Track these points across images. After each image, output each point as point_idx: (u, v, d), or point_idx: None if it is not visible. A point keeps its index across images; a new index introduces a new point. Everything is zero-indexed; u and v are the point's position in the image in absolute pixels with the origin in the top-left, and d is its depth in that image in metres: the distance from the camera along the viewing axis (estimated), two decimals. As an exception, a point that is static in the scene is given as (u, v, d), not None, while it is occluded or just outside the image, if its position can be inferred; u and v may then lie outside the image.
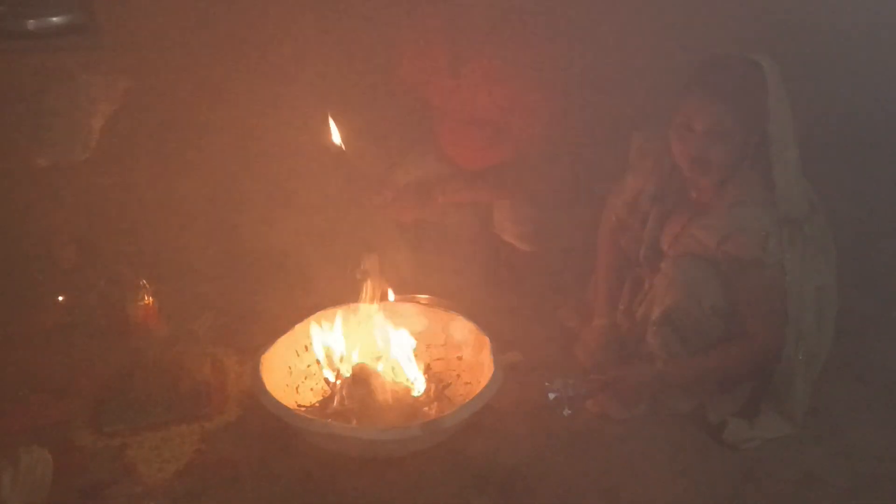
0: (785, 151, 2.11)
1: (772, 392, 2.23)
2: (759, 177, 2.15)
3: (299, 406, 2.25)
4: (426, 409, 2.25)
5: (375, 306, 2.37)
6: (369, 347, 2.35)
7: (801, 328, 2.17)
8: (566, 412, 2.25)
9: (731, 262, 2.14)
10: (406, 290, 2.58)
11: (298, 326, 2.41)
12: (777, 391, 2.22)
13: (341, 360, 2.32)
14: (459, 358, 2.43)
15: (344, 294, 2.46)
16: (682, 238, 2.26)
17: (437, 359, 2.45)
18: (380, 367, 2.30)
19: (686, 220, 2.27)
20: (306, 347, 2.41)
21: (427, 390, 2.31)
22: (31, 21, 2.40)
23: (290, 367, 2.36)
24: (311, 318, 2.42)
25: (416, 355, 2.36)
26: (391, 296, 2.45)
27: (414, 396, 2.28)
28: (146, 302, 2.57)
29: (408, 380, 2.31)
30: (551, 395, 2.24)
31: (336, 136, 2.45)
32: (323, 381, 2.34)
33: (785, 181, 2.11)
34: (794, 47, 3.03)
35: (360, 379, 2.25)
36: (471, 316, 2.46)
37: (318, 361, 2.34)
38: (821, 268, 2.25)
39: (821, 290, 2.24)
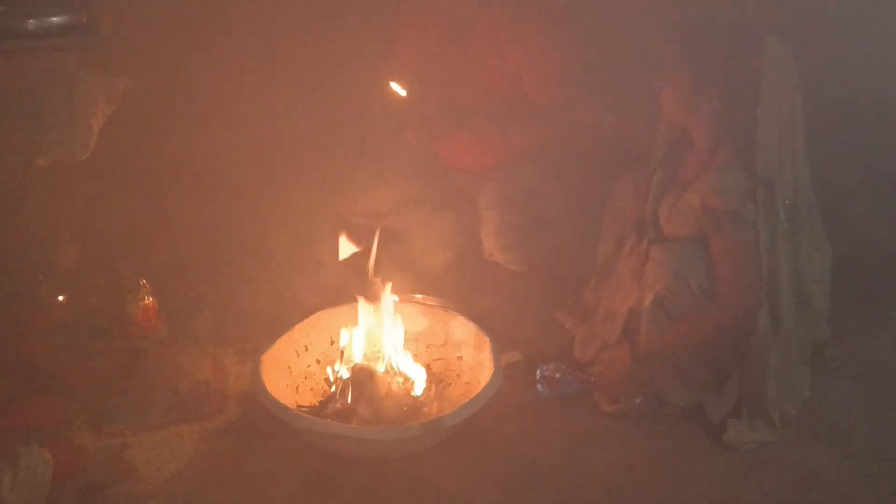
0: (769, 136, 2.14)
1: (747, 389, 2.23)
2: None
3: (299, 406, 2.25)
4: (426, 409, 2.25)
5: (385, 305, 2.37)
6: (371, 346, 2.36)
7: (778, 314, 2.19)
8: (540, 388, 2.36)
9: (710, 216, 2.18)
10: (406, 291, 2.58)
11: (298, 326, 2.41)
12: (752, 384, 2.22)
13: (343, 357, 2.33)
14: (459, 358, 2.43)
15: (343, 294, 2.46)
16: (678, 205, 2.29)
17: (437, 359, 2.45)
18: (380, 367, 2.30)
19: (682, 190, 2.30)
20: (306, 347, 2.41)
21: (427, 390, 2.31)
22: (31, 21, 2.39)
23: (290, 367, 2.36)
24: (311, 318, 2.43)
25: (415, 355, 2.36)
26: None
27: (414, 396, 2.28)
28: (146, 302, 2.57)
29: (408, 380, 2.31)
30: (538, 372, 2.37)
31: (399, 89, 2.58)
32: (323, 381, 2.34)
33: (766, 163, 2.14)
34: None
35: (360, 379, 2.25)
36: (471, 316, 2.46)
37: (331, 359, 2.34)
38: (813, 257, 2.30)
39: (810, 278, 2.28)
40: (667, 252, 2.26)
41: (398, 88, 2.60)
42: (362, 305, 2.36)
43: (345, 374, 2.30)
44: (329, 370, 2.34)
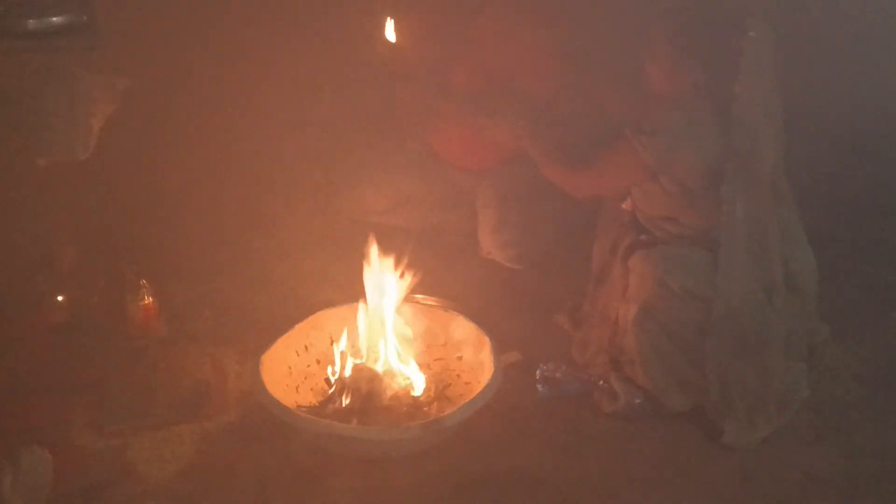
0: (746, 111, 2.16)
1: (743, 386, 2.23)
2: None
3: (299, 406, 2.25)
4: (426, 409, 2.25)
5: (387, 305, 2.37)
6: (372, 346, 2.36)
7: (770, 287, 2.21)
8: (540, 389, 2.37)
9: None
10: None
11: (298, 326, 2.41)
12: (749, 380, 2.22)
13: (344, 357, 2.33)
14: (459, 358, 2.43)
15: (343, 294, 2.46)
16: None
17: (437, 359, 2.45)
18: (380, 367, 2.30)
19: None
20: (306, 347, 2.41)
21: (427, 390, 2.31)
22: (31, 21, 2.40)
23: (290, 367, 2.35)
24: (311, 318, 2.43)
25: (414, 355, 2.37)
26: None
27: (414, 396, 2.28)
28: (146, 302, 2.57)
29: (408, 380, 2.31)
30: (538, 372, 2.39)
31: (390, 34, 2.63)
32: (323, 381, 2.34)
33: (742, 137, 2.16)
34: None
35: (360, 379, 2.25)
36: (471, 316, 2.46)
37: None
38: (796, 237, 2.33)
39: (792, 257, 2.30)
40: (645, 260, 2.27)
41: (390, 33, 2.63)
42: (363, 305, 2.36)
43: (345, 373, 2.30)
44: (329, 370, 2.34)
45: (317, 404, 2.28)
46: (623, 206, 2.53)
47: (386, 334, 2.35)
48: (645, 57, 2.32)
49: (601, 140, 2.51)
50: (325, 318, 2.45)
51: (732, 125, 2.16)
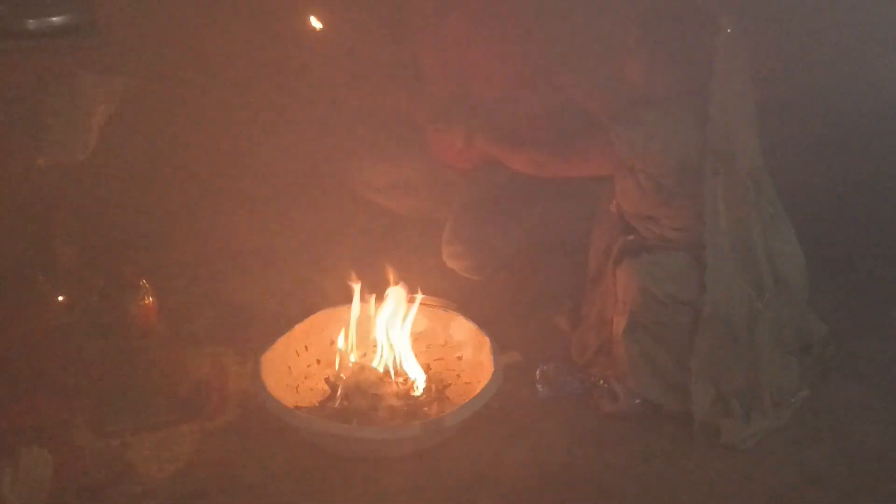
0: (721, 109, 2.16)
1: (735, 382, 2.23)
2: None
3: (299, 406, 2.25)
4: (426, 409, 2.25)
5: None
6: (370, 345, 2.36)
7: (757, 282, 2.22)
8: (540, 389, 2.37)
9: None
10: (406, 290, 2.58)
11: (298, 326, 2.41)
12: (741, 374, 2.23)
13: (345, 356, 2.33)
14: (459, 358, 2.43)
15: (342, 294, 2.46)
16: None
17: (437, 359, 2.45)
18: (380, 366, 2.30)
19: None
20: (306, 347, 2.41)
21: (427, 390, 2.31)
22: (31, 21, 2.40)
23: (290, 367, 2.36)
24: (311, 318, 2.43)
25: (415, 354, 2.37)
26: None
27: (414, 396, 2.28)
28: (146, 302, 2.57)
29: (408, 379, 2.31)
30: (538, 372, 2.39)
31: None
32: (323, 381, 2.34)
33: (717, 134, 2.16)
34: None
35: (360, 379, 2.25)
36: (471, 316, 2.46)
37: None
38: (779, 229, 2.32)
39: (778, 251, 2.30)
40: (628, 271, 2.28)
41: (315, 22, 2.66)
42: (361, 303, 2.36)
43: (345, 373, 2.30)
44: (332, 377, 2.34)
45: (317, 404, 2.28)
46: (610, 208, 2.53)
47: (386, 334, 2.35)
48: (621, 57, 2.33)
49: (573, 132, 2.54)
50: (325, 318, 2.45)
51: (708, 124, 2.16)
